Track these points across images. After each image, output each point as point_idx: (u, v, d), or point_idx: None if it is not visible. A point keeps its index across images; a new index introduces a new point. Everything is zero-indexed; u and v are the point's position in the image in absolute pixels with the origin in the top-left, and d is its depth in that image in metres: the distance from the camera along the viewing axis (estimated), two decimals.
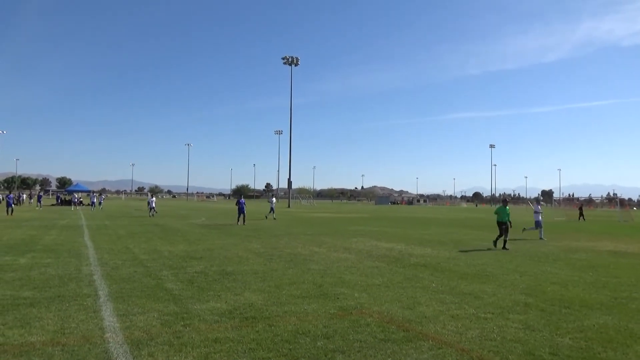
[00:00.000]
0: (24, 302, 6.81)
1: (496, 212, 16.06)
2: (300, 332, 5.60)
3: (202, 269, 10.10)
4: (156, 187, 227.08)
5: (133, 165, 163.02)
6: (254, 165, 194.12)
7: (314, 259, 12.15)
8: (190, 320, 6.06)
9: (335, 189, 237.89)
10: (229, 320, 6.11)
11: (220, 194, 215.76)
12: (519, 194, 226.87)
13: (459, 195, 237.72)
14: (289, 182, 75.94)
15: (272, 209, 32.25)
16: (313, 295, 7.71)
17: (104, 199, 50.92)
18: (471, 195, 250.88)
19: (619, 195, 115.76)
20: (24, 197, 61.76)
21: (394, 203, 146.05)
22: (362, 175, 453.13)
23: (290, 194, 77.63)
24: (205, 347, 5.01)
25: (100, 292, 7.58)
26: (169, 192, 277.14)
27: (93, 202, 45.50)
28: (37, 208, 44.63)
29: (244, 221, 25.59)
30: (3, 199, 52.05)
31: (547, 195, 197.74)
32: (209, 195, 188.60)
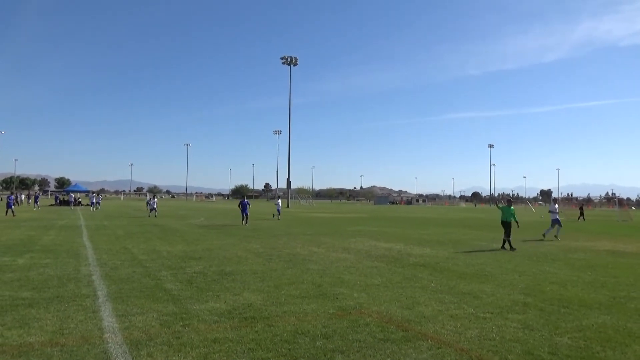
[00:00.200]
0: (22, 303, 6.80)
1: (501, 211, 15.90)
2: (300, 332, 5.60)
3: (201, 269, 10.09)
4: (155, 187, 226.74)
5: (132, 165, 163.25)
6: (253, 165, 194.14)
7: (313, 259, 12.15)
8: (190, 320, 6.06)
9: (334, 189, 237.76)
10: (228, 320, 6.11)
11: (219, 194, 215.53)
12: (517, 193, 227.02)
13: (457, 195, 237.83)
14: (288, 182, 75.86)
15: (278, 210, 32.88)
16: (312, 295, 7.71)
17: (101, 199, 50.79)
18: (470, 195, 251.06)
19: (617, 195, 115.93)
20: (23, 198, 61.66)
21: (392, 203, 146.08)
22: (361, 175, 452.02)
23: (289, 194, 77.55)
24: (204, 348, 5.01)
25: (99, 293, 7.58)
26: (168, 192, 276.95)
27: (93, 202, 45.42)
28: (34, 209, 44.55)
29: (246, 221, 25.56)
30: (2, 200, 51.98)
31: (546, 195, 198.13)
32: (208, 196, 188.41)
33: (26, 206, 52.62)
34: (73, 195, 56.41)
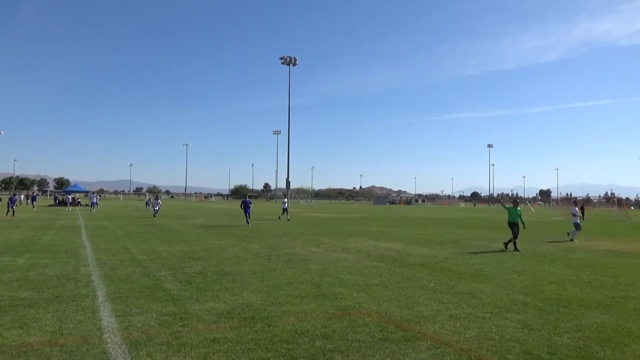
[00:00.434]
0: (21, 303, 6.80)
1: (507, 211, 15.71)
2: (299, 332, 5.60)
3: (200, 269, 10.09)
4: (154, 187, 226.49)
5: (131, 165, 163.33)
6: (252, 165, 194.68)
7: (312, 259, 12.15)
8: (189, 320, 6.06)
9: (333, 189, 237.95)
10: (227, 320, 6.11)
11: (218, 194, 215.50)
12: (517, 193, 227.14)
13: (457, 195, 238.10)
14: (288, 182, 75.79)
15: (285, 209, 32.88)
16: (311, 295, 7.71)
17: (99, 199, 50.65)
18: (469, 195, 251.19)
19: (616, 194, 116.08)
20: (21, 198, 61.59)
21: (392, 203, 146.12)
22: (361, 175, 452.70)
23: (288, 194, 77.52)
24: (203, 348, 5.01)
25: (99, 293, 7.57)
26: (167, 192, 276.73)
27: (93, 203, 45.31)
28: (33, 210, 44.47)
29: (247, 221, 25.44)
30: (2, 200, 51.85)
31: (545, 195, 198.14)
32: (208, 196, 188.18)
33: (25, 206, 52.57)
34: (70, 196, 56.22)
